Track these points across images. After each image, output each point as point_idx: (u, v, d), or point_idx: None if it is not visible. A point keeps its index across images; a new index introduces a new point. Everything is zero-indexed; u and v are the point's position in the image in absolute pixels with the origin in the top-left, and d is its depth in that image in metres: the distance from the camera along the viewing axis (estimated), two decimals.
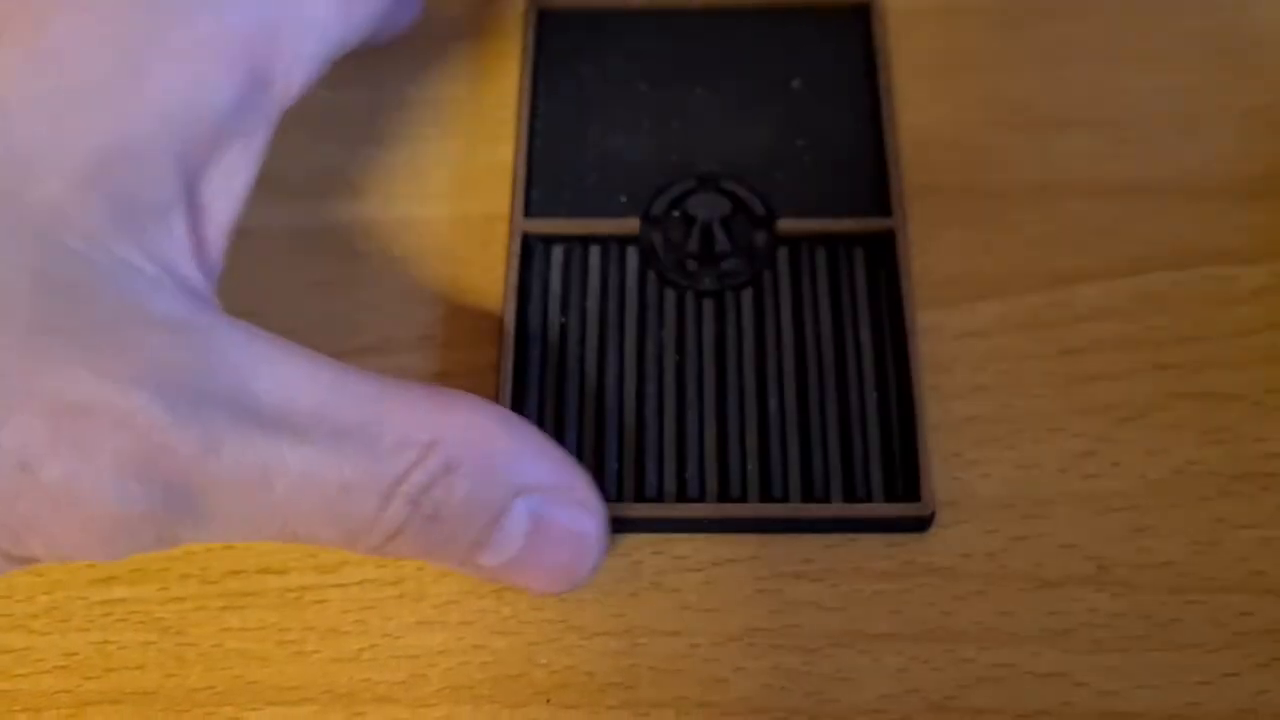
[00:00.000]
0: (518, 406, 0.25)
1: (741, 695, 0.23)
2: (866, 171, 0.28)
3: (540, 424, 0.25)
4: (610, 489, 0.25)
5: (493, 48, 0.31)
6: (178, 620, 0.24)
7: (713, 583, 0.24)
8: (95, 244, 0.19)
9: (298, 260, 0.28)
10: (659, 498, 0.24)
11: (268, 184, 0.24)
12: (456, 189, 0.29)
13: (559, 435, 0.25)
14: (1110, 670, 0.23)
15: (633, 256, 0.27)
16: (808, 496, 0.24)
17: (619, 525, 0.24)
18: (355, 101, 0.30)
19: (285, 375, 0.20)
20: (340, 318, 0.27)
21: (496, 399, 0.25)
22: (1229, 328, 0.27)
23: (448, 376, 0.26)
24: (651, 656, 0.24)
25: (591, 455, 0.25)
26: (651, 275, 0.27)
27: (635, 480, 0.25)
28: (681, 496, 0.24)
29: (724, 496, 0.25)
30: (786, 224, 0.27)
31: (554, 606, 0.24)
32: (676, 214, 0.27)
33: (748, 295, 0.26)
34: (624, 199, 0.28)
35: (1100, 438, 0.26)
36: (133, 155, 0.19)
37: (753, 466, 0.25)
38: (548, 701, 0.23)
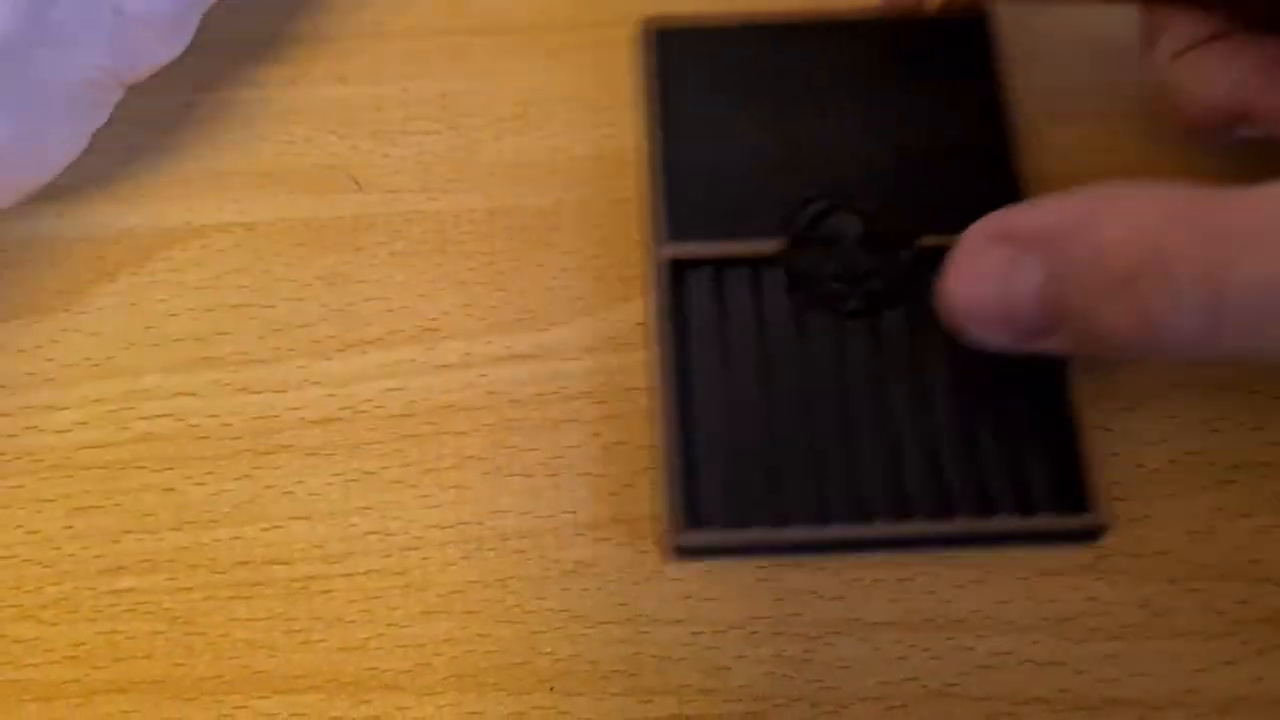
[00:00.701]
0: (686, 433, 0.25)
1: (743, 683, 0.24)
2: (997, 181, 0.27)
3: (709, 451, 0.25)
4: (786, 515, 0.24)
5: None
6: (185, 610, 0.24)
7: (714, 571, 0.25)
8: None
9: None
10: (831, 519, 0.24)
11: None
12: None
13: (729, 462, 0.25)
14: (1108, 658, 0.24)
15: (775, 278, 0.27)
16: (979, 511, 0.24)
17: (794, 549, 0.24)
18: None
19: None
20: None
21: (660, 428, 0.24)
22: None
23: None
24: (654, 645, 0.24)
25: (764, 481, 0.24)
26: (799, 297, 0.26)
27: (812, 504, 0.24)
28: (856, 517, 0.24)
29: (898, 515, 0.24)
30: (927, 239, 0.26)
31: (557, 596, 0.24)
32: (816, 235, 0.27)
33: (897, 313, 0.26)
34: (759, 220, 0.27)
35: (1097, 427, 0.26)
36: None
37: (921, 484, 0.24)
38: (551, 689, 0.24)
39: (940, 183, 0.27)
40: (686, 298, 0.26)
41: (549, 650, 0.24)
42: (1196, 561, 0.24)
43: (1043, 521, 0.24)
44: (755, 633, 0.24)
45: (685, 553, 0.24)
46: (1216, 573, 0.24)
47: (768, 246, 0.27)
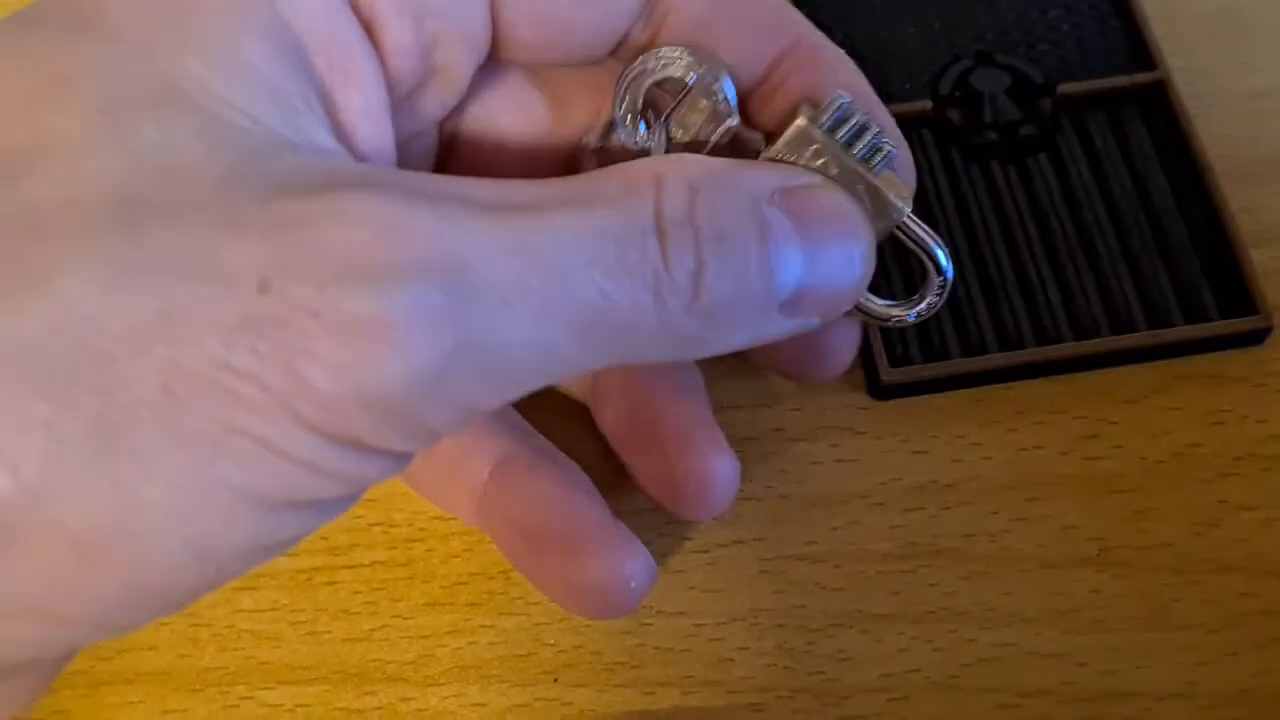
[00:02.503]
0: (874, 288, 0.26)
1: (746, 674, 0.24)
2: (1123, 31, 0.30)
3: (894, 298, 0.26)
4: (975, 346, 0.27)
5: None
6: None
7: (717, 564, 0.25)
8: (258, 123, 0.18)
9: None
10: (1020, 345, 0.26)
11: None
12: None
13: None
14: (1111, 650, 0.24)
15: (928, 135, 0.29)
16: (1155, 324, 0.26)
17: (990, 377, 0.26)
18: None
19: (492, 184, 0.18)
20: None
21: None
22: None
23: None
24: (658, 636, 0.24)
25: (950, 319, 0.27)
26: (954, 150, 0.29)
27: (997, 333, 0.27)
28: (1041, 341, 0.26)
29: (1078, 336, 0.26)
30: (1066, 87, 0.29)
31: None
32: (962, 92, 0.29)
33: (1045, 158, 0.29)
34: (907, 83, 0.30)
35: (1101, 420, 0.26)
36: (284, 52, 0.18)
37: (1098, 306, 0.27)
38: (555, 680, 0.24)
39: (1073, 33, 0.30)
40: None
41: (552, 642, 0.24)
42: (1199, 554, 0.24)
43: (1216, 327, 0.26)
44: (758, 624, 0.24)
45: (891, 390, 0.26)
46: (1219, 565, 0.24)
47: (919, 106, 0.29)
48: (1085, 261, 0.27)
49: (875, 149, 0.20)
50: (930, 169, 0.29)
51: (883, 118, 0.21)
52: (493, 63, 0.22)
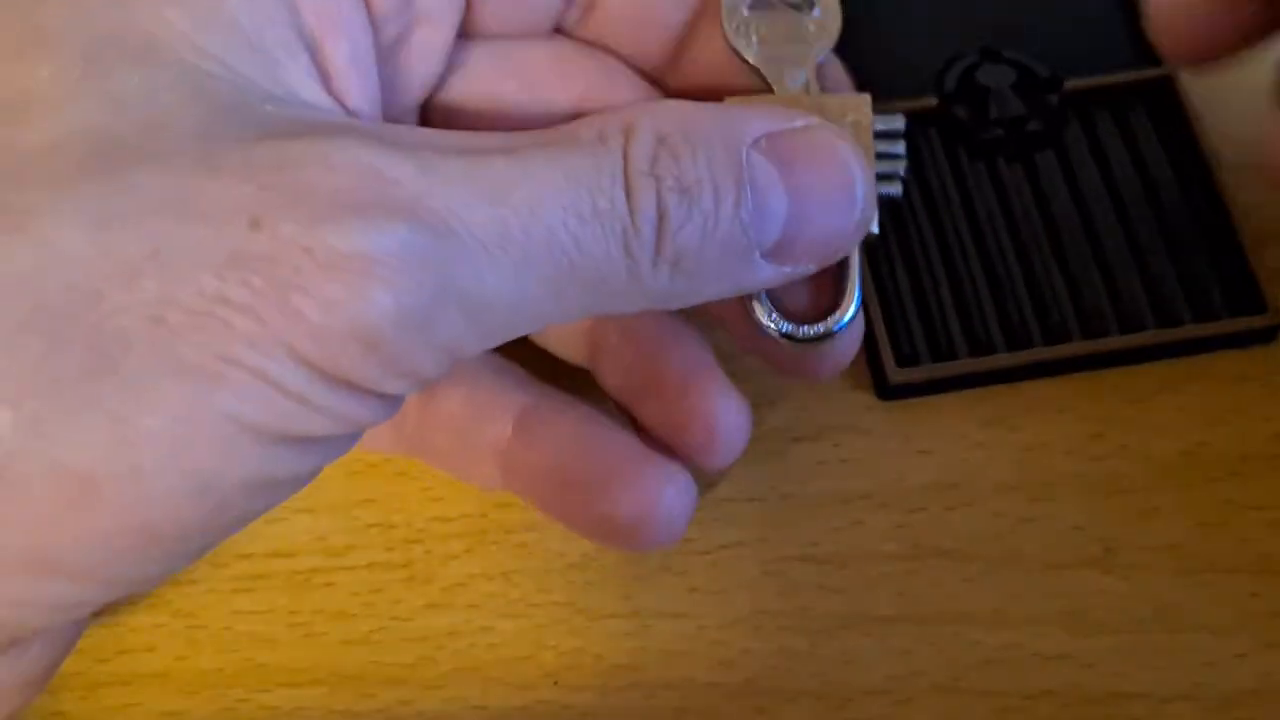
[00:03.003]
0: (881, 288, 0.27)
1: (748, 677, 0.23)
2: (1130, 25, 0.30)
3: (901, 300, 0.27)
4: (983, 345, 0.26)
5: None
6: (188, 603, 0.24)
7: (719, 565, 0.24)
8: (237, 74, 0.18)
9: None
10: (1028, 344, 0.26)
11: None
12: None
13: (922, 306, 0.27)
14: (1117, 652, 0.23)
15: (934, 132, 0.29)
16: (1164, 323, 0.26)
17: (997, 377, 0.26)
18: None
19: (463, 134, 0.19)
20: None
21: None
22: None
23: None
24: (659, 638, 0.24)
25: (957, 318, 0.27)
26: (960, 147, 0.28)
27: (1004, 333, 0.26)
28: (1049, 340, 0.26)
29: (1086, 335, 0.26)
30: (1072, 83, 0.29)
31: (562, 589, 0.24)
32: (968, 88, 0.29)
33: (1051, 155, 0.28)
34: (912, 79, 0.29)
35: (1107, 419, 0.26)
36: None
37: (1106, 304, 0.26)
38: (555, 683, 0.24)
39: (1080, 28, 0.30)
40: None
41: (553, 644, 0.24)
42: (1206, 554, 0.24)
43: (1224, 325, 0.26)
44: (760, 627, 0.24)
45: (898, 391, 0.26)
46: (1226, 566, 0.24)
47: (924, 103, 0.29)
48: (1092, 259, 0.27)
49: (891, 175, 0.21)
50: (936, 166, 0.28)
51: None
52: (463, 42, 0.22)
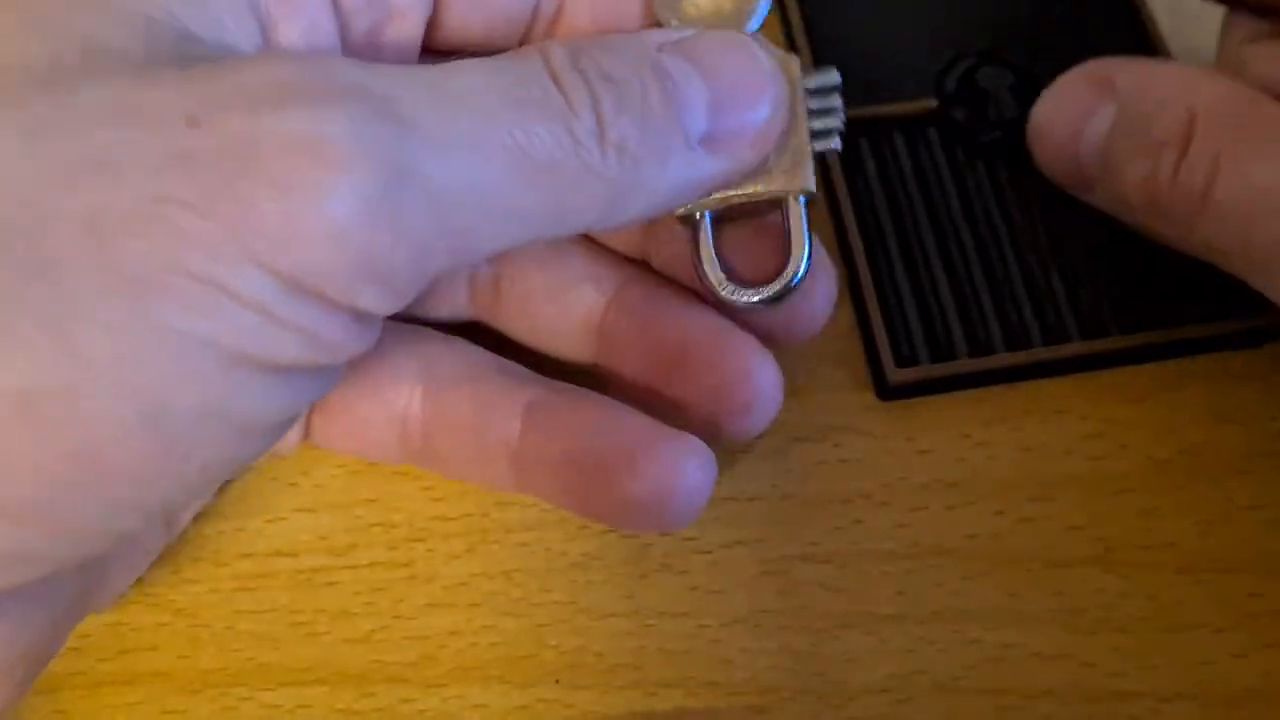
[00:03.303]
0: (880, 289, 0.27)
1: (749, 676, 0.23)
2: (1129, 26, 0.30)
3: (904, 298, 0.27)
4: (982, 345, 0.26)
5: None
6: (190, 602, 0.24)
7: (720, 564, 0.24)
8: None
9: None
10: (1028, 344, 0.26)
11: None
12: None
13: (923, 306, 0.27)
14: (1117, 651, 0.23)
15: (933, 134, 0.29)
16: (1165, 323, 0.26)
17: (997, 377, 0.26)
18: None
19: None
20: None
21: (860, 283, 0.27)
22: None
23: None
24: (660, 637, 0.24)
25: (958, 318, 0.27)
26: (959, 149, 0.29)
27: (1004, 332, 0.26)
28: (1048, 340, 0.26)
29: (1085, 335, 0.26)
30: None
31: (563, 588, 0.24)
32: (967, 90, 0.29)
33: None
34: (911, 81, 0.29)
35: (1107, 419, 0.26)
36: None
37: (1106, 304, 0.26)
38: (557, 682, 0.24)
39: (1081, 32, 0.30)
40: (854, 160, 0.28)
41: (554, 643, 0.24)
42: (1206, 554, 0.24)
43: (1224, 325, 0.26)
44: (761, 626, 0.24)
45: (898, 391, 0.26)
46: (1226, 565, 0.24)
47: (924, 105, 0.29)
48: (1092, 259, 0.27)
49: (828, 131, 0.21)
50: (935, 168, 0.28)
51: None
52: (429, 57, 0.22)
